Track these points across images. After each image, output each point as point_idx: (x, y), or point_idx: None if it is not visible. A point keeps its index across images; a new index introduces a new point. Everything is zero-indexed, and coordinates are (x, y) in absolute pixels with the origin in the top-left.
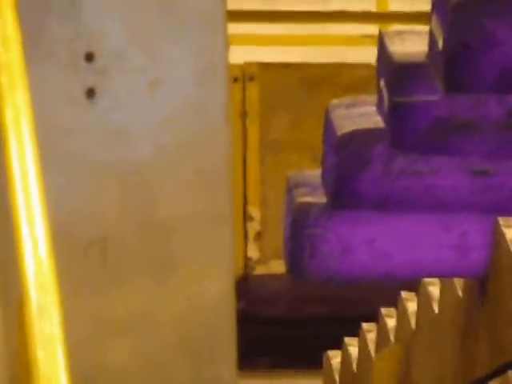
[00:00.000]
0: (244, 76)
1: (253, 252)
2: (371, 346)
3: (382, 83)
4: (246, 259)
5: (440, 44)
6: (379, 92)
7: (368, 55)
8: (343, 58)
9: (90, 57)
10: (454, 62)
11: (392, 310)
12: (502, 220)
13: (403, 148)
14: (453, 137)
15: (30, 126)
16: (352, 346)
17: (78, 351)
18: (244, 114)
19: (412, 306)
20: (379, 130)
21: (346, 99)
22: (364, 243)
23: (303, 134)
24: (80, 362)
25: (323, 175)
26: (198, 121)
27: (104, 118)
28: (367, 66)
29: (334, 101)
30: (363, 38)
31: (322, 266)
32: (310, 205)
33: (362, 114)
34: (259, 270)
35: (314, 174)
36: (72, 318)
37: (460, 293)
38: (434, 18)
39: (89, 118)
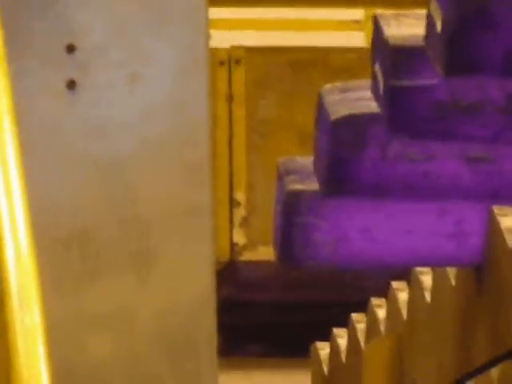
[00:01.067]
0: (230, 59)
1: (239, 237)
2: (361, 337)
3: (377, 67)
4: (232, 245)
5: (439, 26)
6: (374, 76)
7: (356, 40)
8: (331, 42)
9: (70, 49)
10: (454, 43)
11: (382, 300)
12: (496, 209)
13: (400, 133)
14: (452, 121)
15: (10, 118)
16: (341, 337)
17: (58, 346)
18: (230, 98)
19: (403, 295)
20: (374, 114)
21: (339, 84)
22: (358, 231)
23: (291, 117)
24: (60, 356)
25: (316, 162)
26: (178, 115)
27: (85, 110)
28: (356, 49)
29: (327, 86)
30: (351, 23)
31: (314, 255)
32: (301, 192)
33: (357, 98)
34: (246, 256)
35: (305, 160)
36: (52, 312)
37: (453, 282)
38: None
39: (70, 111)
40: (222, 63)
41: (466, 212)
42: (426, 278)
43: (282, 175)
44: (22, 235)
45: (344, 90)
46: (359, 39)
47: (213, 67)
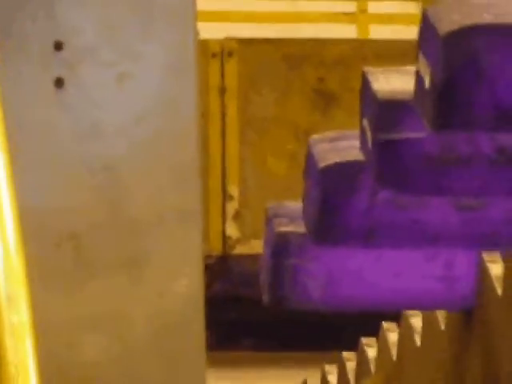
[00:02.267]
0: (223, 51)
1: (232, 231)
2: (351, 376)
3: (365, 121)
4: (225, 239)
5: (427, 82)
6: (362, 131)
7: (349, 32)
8: (324, 34)
9: (58, 46)
10: (443, 99)
11: (373, 340)
12: (486, 255)
13: (388, 186)
14: (440, 175)
15: None
16: (331, 374)
17: (50, 347)
18: (223, 91)
19: (393, 336)
20: (363, 162)
21: (329, 133)
22: (347, 274)
23: (284, 110)
24: (52, 357)
25: (304, 209)
26: (167, 116)
27: (73, 109)
28: (349, 41)
29: (315, 136)
30: (343, 16)
31: (304, 297)
32: (290, 234)
33: (346, 147)
34: (239, 250)
35: (295, 205)
36: (44, 313)
37: (443, 326)
38: (420, 56)
39: (57, 109)
40: (214, 55)
41: (455, 255)
42: (416, 320)
43: (270, 218)
44: (10, 233)
45: (333, 140)
46: (352, 31)
47: (205, 59)
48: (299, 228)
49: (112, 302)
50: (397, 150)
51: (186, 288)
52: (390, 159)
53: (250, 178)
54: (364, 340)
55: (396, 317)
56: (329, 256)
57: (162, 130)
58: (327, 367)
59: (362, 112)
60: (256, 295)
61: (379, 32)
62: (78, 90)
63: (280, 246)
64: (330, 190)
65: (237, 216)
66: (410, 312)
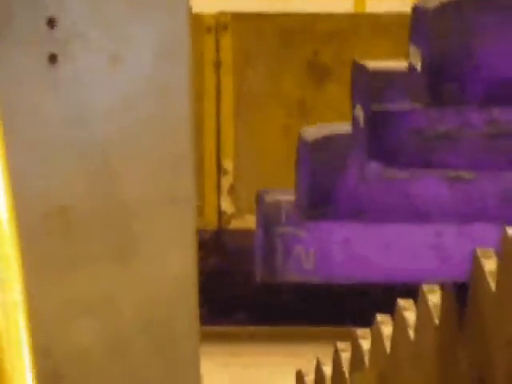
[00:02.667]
0: (217, 25)
1: (226, 206)
2: (345, 367)
3: (356, 94)
4: (220, 213)
5: (418, 66)
6: (352, 105)
7: (344, 6)
8: (319, 8)
9: (51, 23)
10: (435, 77)
11: (367, 332)
12: (480, 251)
13: (378, 159)
14: (430, 148)
15: None
16: (325, 365)
17: (40, 331)
18: (218, 65)
19: (387, 329)
20: (352, 136)
21: (319, 126)
22: (339, 244)
23: (278, 84)
24: (43, 342)
25: (296, 189)
26: (159, 100)
27: (65, 90)
28: (344, 15)
29: (306, 127)
30: None
31: (296, 267)
32: (282, 203)
33: (336, 128)
34: (233, 225)
35: (285, 190)
36: (34, 298)
37: (437, 321)
38: (411, 46)
39: (50, 87)
40: (209, 30)
41: (445, 226)
42: (410, 314)
43: (262, 196)
44: (3, 214)
45: (323, 128)
46: (347, 5)
47: (200, 34)
48: (291, 197)
49: (103, 285)
50: (387, 122)
51: (178, 271)
52: (380, 131)
53: (245, 153)
54: (359, 332)
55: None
56: (320, 226)
57: (155, 112)
58: (322, 359)
59: (353, 98)
60: (250, 269)
61: (376, 6)
62: (71, 68)
63: (271, 215)
64: (320, 164)
65: (231, 190)
66: (404, 305)
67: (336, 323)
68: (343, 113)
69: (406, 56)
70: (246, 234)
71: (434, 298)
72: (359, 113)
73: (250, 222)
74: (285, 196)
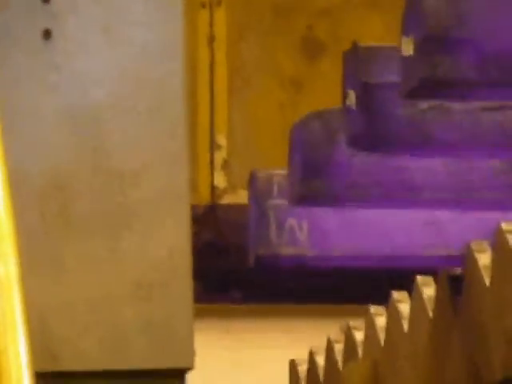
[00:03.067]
0: (211, 1)
1: (220, 181)
2: (339, 358)
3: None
4: (213, 188)
5: (411, 50)
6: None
7: None
8: None
9: None
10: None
11: (361, 323)
12: (474, 244)
13: (369, 133)
14: (424, 120)
15: None
16: (319, 354)
17: (30, 295)
18: (211, 40)
19: (381, 320)
20: (343, 110)
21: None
22: (332, 215)
23: (272, 59)
24: (33, 303)
25: (290, 163)
26: (153, 67)
27: (59, 60)
28: None
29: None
30: None
31: (289, 239)
32: (273, 176)
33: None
34: (226, 199)
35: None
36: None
37: (430, 313)
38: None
39: (44, 61)
40: (203, 5)
41: (440, 202)
42: (404, 306)
43: (254, 173)
44: None
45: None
46: None
47: (194, 9)
48: (283, 172)
49: (96, 251)
50: (378, 94)
51: (172, 238)
52: (371, 105)
53: (238, 128)
54: (352, 323)
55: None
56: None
57: (148, 79)
58: (314, 348)
59: (344, 85)
60: (244, 244)
61: None
62: (65, 41)
63: (264, 189)
64: (311, 138)
65: (225, 166)
66: (398, 297)
67: (332, 300)
68: (337, 88)
69: (400, 32)
70: (239, 208)
71: (428, 290)
72: (351, 92)
73: (243, 197)
74: (277, 172)
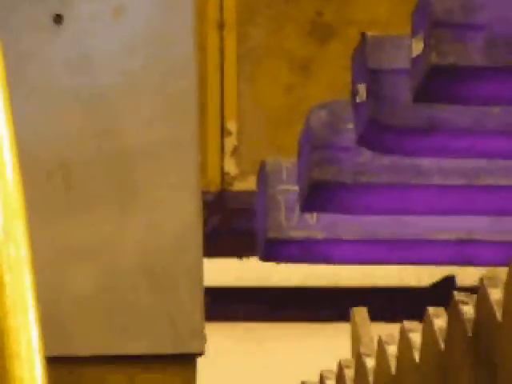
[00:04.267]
0: None
1: (230, 167)
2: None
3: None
4: (224, 174)
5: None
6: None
7: None
8: None
9: None
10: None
11: (372, 349)
12: (486, 279)
13: (380, 119)
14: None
15: None
16: (329, 379)
17: (40, 278)
18: (221, 26)
19: (392, 348)
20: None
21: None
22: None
23: (281, 44)
24: (43, 288)
25: (299, 151)
26: (164, 48)
27: (70, 44)
28: None
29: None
30: None
31: (299, 223)
32: (282, 162)
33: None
34: (237, 186)
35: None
36: (34, 244)
37: (442, 346)
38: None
39: (55, 44)
40: None
41: (450, 187)
42: (415, 335)
43: (264, 161)
44: (8, 166)
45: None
46: None
47: None
48: (292, 159)
49: (103, 231)
50: (389, 79)
51: (180, 220)
52: (380, 92)
53: (248, 114)
54: (362, 349)
55: None
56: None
57: (158, 60)
58: (324, 372)
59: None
60: (253, 230)
61: None
62: (75, 24)
63: (274, 175)
64: (321, 126)
65: (235, 152)
66: (408, 326)
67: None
68: (347, 72)
69: (409, 15)
70: (249, 195)
71: (439, 321)
72: (361, 87)
73: (253, 183)
74: (286, 159)
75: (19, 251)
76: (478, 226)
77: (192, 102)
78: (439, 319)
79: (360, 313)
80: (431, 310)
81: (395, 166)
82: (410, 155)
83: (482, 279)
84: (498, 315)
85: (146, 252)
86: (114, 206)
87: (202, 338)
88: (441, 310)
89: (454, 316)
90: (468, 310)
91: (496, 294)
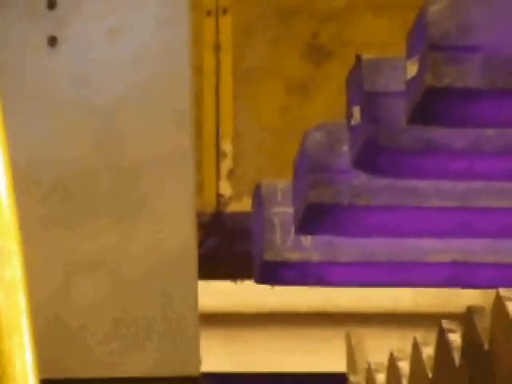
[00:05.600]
0: (217, 9)
1: (225, 189)
2: None
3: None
4: (219, 196)
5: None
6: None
7: None
8: None
9: (51, 5)
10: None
11: (383, 365)
12: (503, 291)
13: (377, 141)
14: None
15: None
16: None
17: (44, 290)
18: (217, 48)
19: (380, 377)
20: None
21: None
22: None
23: (278, 66)
24: (47, 300)
25: (295, 173)
26: (161, 64)
27: (65, 66)
28: None
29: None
30: None
31: (294, 245)
32: (278, 184)
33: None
34: (232, 207)
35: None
36: (39, 257)
37: (457, 362)
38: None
39: (52, 65)
40: (209, 13)
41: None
42: (404, 364)
43: (259, 183)
44: (2, 189)
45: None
46: None
47: (200, 17)
48: (287, 181)
49: (107, 242)
50: (383, 102)
51: (178, 237)
52: (376, 116)
53: (244, 135)
54: (372, 364)
55: None
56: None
57: (153, 82)
58: None
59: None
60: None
61: None
62: (71, 47)
63: (268, 196)
64: (317, 147)
65: (230, 173)
66: (422, 340)
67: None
68: (343, 93)
69: (405, 36)
70: (244, 216)
71: (427, 350)
72: (355, 109)
73: (248, 204)
74: (281, 181)
75: (14, 273)
76: (475, 247)
77: (187, 118)
78: (428, 347)
79: (356, 335)
80: (419, 337)
81: (391, 187)
82: (406, 177)
83: (469, 308)
84: (486, 344)
85: (148, 261)
86: (117, 217)
87: (197, 360)
88: (429, 338)
89: (442, 344)
90: (456, 338)
91: (483, 323)
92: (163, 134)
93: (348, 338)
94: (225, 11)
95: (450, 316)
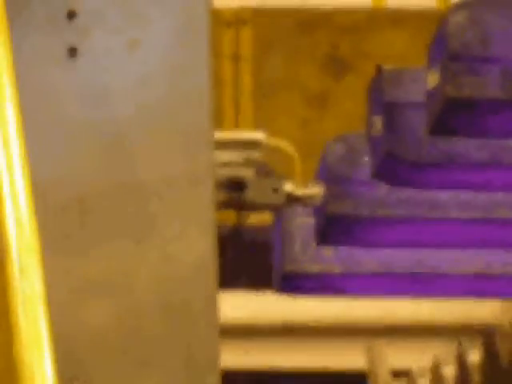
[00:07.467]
0: (237, 21)
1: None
2: None
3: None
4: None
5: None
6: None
7: (363, 0)
8: (337, 2)
9: (71, 15)
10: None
11: None
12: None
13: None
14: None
15: (11, 83)
16: None
17: (56, 311)
18: (237, 59)
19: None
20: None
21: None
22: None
23: (297, 77)
24: (59, 322)
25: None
26: (179, 81)
27: (85, 77)
28: (363, 10)
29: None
30: None
31: (315, 255)
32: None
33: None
34: (252, 220)
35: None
36: (50, 277)
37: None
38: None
39: (70, 77)
40: (228, 25)
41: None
42: (448, 369)
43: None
44: (23, 203)
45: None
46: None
47: (219, 28)
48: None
49: (119, 265)
50: (403, 114)
51: (194, 253)
52: (396, 126)
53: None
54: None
55: None
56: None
57: (174, 95)
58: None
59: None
60: (268, 264)
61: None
62: (90, 58)
63: (290, 208)
64: (337, 158)
65: None
66: (441, 360)
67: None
68: (361, 104)
69: (424, 49)
70: (264, 229)
71: (447, 369)
72: (376, 119)
73: (267, 217)
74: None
75: (34, 288)
76: (495, 258)
77: (206, 135)
78: (448, 366)
79: (376, 347)
80: (439, 356)
81: (412, 199)
82: (426, 189)
83: (487, 327)
84: (505, 363)
85: (160, 285)
86: (130, 239)
87: (216, 376)
88: (450, 356)
89: (461, 364)
90: (475, 358)
91: (503, 342)
92: (183, 149)
93: (369, 351)
94: (245, 22)
95: (470, 328)
